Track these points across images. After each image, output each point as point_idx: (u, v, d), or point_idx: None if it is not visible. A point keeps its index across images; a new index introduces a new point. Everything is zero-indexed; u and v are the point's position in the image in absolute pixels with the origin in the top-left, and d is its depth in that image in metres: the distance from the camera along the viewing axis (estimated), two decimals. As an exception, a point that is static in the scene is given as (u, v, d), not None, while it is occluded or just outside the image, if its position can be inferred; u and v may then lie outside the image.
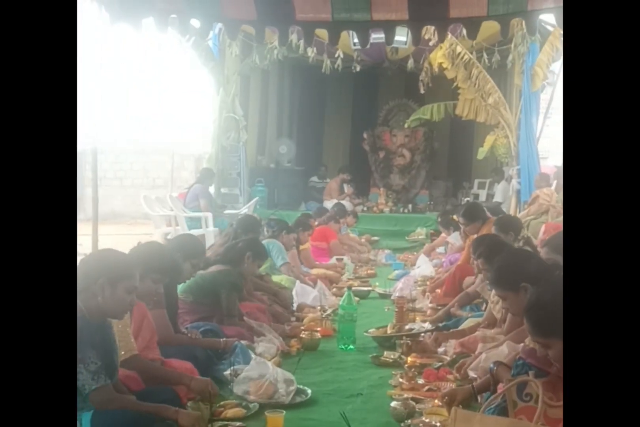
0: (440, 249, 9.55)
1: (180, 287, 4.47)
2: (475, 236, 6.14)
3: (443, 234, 9.47)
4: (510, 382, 2.72)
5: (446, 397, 3.27)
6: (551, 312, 2.46)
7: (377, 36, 6.23)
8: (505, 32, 5.88)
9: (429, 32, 7.12)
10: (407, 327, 5.11)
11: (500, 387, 2.96)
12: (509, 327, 4.03)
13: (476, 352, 3.97)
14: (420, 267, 8.37)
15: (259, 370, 3.66)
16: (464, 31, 5.94)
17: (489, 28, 5.97)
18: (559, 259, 3.67)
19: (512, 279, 3.42)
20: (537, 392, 2.58)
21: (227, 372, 3.71)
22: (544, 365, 2.73)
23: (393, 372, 4.09)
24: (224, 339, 4.11)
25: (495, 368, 3.13)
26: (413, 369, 4.12)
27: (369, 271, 8.67)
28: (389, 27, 5.78)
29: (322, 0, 5.34)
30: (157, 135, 18.64)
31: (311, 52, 10.25)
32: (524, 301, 3.26)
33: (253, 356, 4.00)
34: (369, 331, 5.15)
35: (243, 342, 4.25)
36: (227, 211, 10.38)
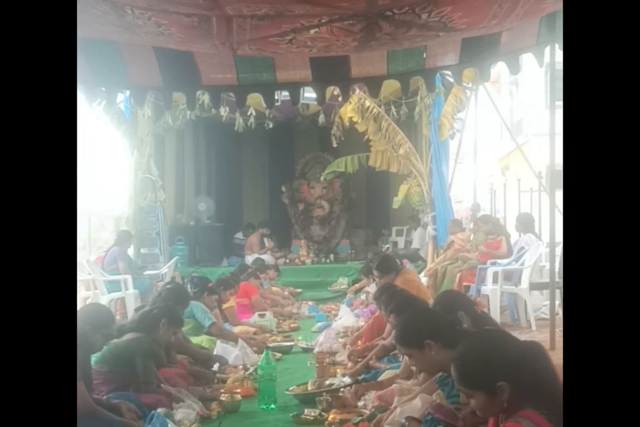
0: (364, 297, 9.69)
1: (94, 357, 4.40)
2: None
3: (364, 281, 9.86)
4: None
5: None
6: (475, 363, 2.48)
7: (286, 94, 6.39)
8: (405, 90, 6.15)
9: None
10: (327, 382, 5.11)
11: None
12: (424, 379, 4.10)
13: (392, 406, 4.02)
14: (342, 318, 8.44)
15: (175, 439, 3.62)
16: (366, 89, 6.20)
17: (394, 83, 6.22)
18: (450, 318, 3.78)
19: (416, 337, 3.48)
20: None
21: (144, 443, 3.66)
22: (452, 420, 2.83)
23: (312, 431, 4.09)
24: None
25: (407, 423, 3.19)
26: (333, 426, 4.14)
27: (292, 325, 8.70)
28: (294, 88, 5.98)
29: (228, 64, 5.47)
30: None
31: (224, 111, 10.42)
32: (429, 357, 3.38)
33: (170, 424, 3.95)
34: (290, 388, 5.15)
35: (161, 409, 4.19)
36: (147, 272, 10.28)
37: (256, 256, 12.41)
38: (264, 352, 5.04)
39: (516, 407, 2.33)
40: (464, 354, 2.57)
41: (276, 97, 8.83)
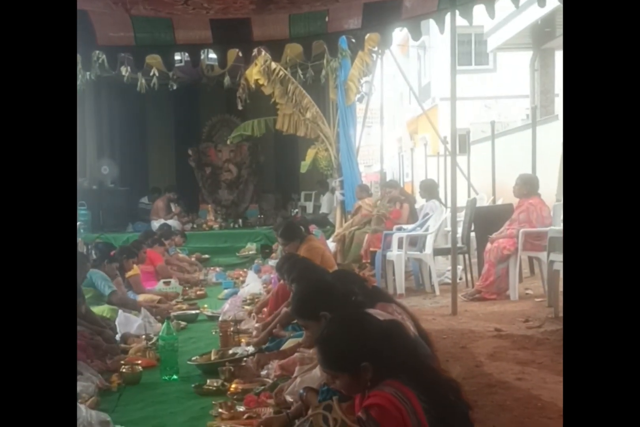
0: (273, 262, 9.63)
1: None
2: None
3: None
4: (315, 409, 2.78)
5: (262, 426, 3.29)
6: (338, 346, 2.53)
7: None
8: (308, 54, 6.04)
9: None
10: (231, 351, 5.06)
11: (311, 413, 3.01)
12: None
13: (293, 376, 4.00)
14: (249, 285, 8.37)
15: (70, 416, 3.50)
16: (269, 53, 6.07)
17: (298, 46, 6.10)
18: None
19: (311, 309, 3.44)
20: (341, 417, 2.66)
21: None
22: (346, 390, 2.81)
23: (213, 402, 4.02)
24: None
25: (304, 394, 3.18)
26: (235, 397, 4.09)
27: (198, 292, 8.59)
28: (193, 50, 5.79)
29: (124, 24, 5.25)
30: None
31: (125, 71, 10.01)
32: (325, 329, 3.35)
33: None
34: (193, 358, 5.07)
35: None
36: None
37: (162, 221, 12.19)
38: (165, 322, 4.94)
39: (378, 382, 2.42)
40: (326, 337, 2.62)
41: (179, 58, 8.58)
